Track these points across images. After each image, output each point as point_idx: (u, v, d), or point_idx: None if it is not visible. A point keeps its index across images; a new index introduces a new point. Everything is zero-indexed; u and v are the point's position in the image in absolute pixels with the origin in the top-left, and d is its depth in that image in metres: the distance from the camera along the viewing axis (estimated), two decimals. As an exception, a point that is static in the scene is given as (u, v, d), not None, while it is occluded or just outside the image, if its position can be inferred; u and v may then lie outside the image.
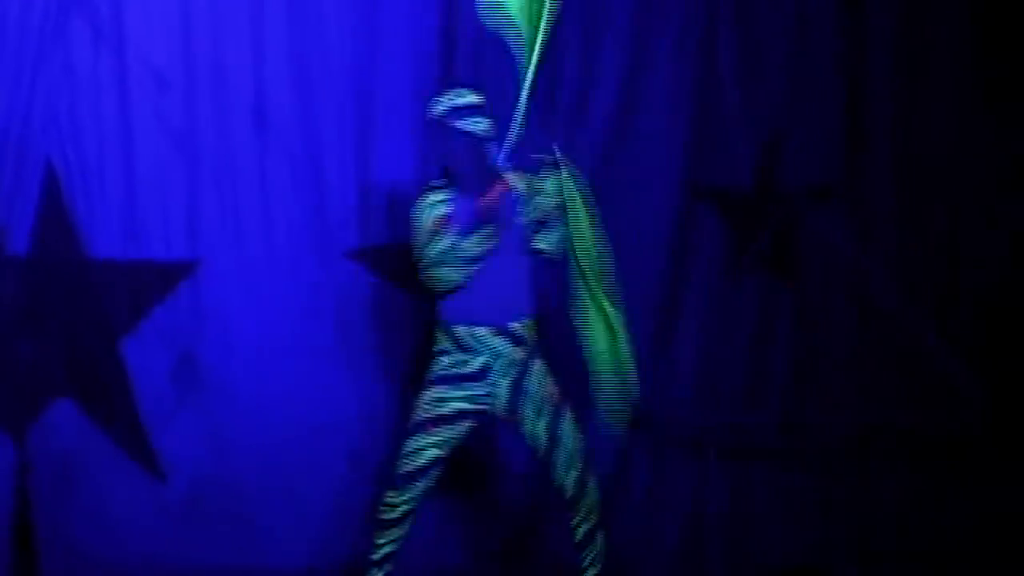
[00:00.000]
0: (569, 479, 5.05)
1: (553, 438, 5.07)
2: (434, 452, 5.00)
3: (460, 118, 4.94)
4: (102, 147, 5.70)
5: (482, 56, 5.81)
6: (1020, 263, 5.92)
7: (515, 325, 5.00)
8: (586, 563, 5.14)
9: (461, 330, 4.98)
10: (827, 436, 5.80)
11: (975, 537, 5.68)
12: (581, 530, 5.11)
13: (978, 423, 5.79)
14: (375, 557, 5.04)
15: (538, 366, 5.09)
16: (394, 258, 5.84)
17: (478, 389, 5.00)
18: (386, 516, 5.01)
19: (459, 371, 5.01)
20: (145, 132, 5.72)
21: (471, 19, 5.61)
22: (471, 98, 5.00)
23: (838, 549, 5.71)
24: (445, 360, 5.00)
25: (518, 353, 5.01)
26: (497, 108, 5.21)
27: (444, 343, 5.01)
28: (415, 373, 5.70)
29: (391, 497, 4.98)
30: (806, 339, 5.99)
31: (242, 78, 5.81)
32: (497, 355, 4.99)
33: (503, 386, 5.03)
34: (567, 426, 5.08)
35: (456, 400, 5.01)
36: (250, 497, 5.80)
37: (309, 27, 5.83)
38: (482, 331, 4.96)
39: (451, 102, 4.97)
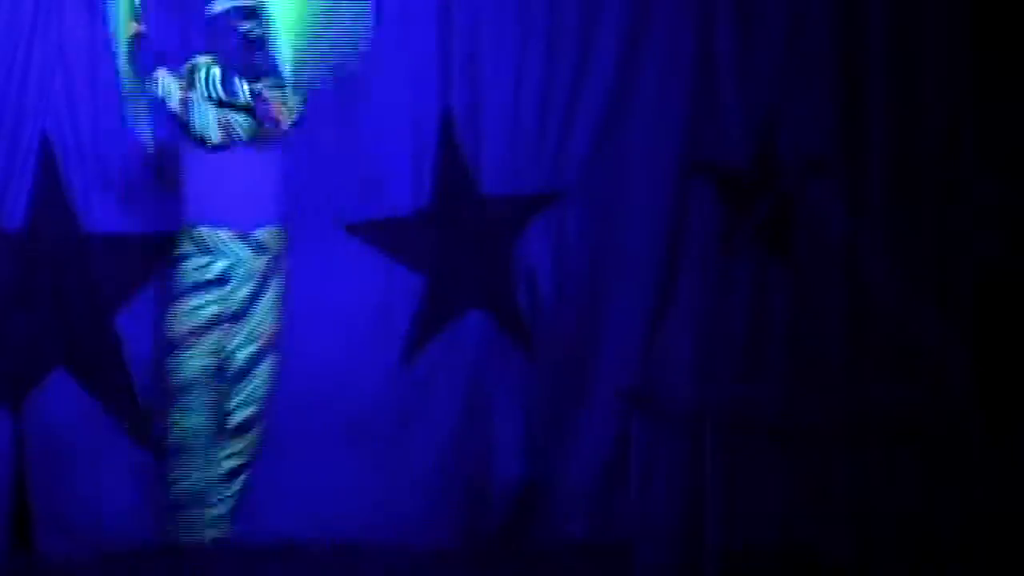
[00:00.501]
0: (241, 414, 5.14)
1: (249, 369, 5.13)
2: (200, 362, 5.06)
3: (236, 18, 5.15)
4: (97, 121, 5.69)
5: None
6: (1012, 244, 5.96)
7: (258, 232, 5.08)
8: (221, 498, 5.19)
9: (204, 231, 5.05)
10: (824, 412, 5.74)
11: (969, 517, 5.66)
12: (227, 464, 5.17)
13: (969, 403, 5.80)
14: (177, 492, 5.15)
15: (275, 287, 5.14)
16: (400, 231, 5.92)
17: (224, 291, 5.08)
18: (173, 439, 5.10)
19: (203, 277, 5.08)
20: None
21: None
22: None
23: (834, 526, 5.71)
24: (188, 266, 5.08)
25: (259, 262, 5.08)
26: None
27: (186, 246, 5.09)
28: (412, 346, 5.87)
29: (170, 417, 5.10)
30: (802, 315, 6.02)
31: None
32: (238, 260, 5.06)
33: (240, 293, 5.10)
34: (267, 366, 5.15)
35: (208, 305, 5.07)
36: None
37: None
38: (224, 234, 5.05)
39: (229, 2, 5.12)
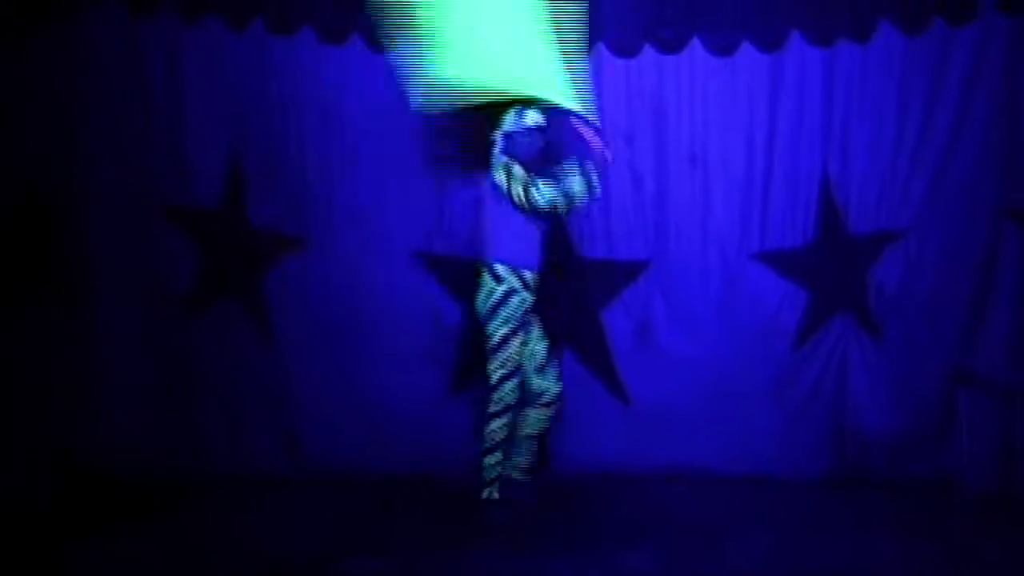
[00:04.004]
0: (556, 387, 6.18)
1: (548, 357, 6.19)
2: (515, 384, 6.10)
3: (528, 134, 6.05)
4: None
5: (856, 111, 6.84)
6: None
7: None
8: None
9: (528, 275, 6.06)
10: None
11: None
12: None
13: None
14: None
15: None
16: (791, 259, 6.94)
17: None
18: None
19: (524, 308, 6.02)
20: (619, 175, 6.97)
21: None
22: (537, 119, 6.08)
23: None
24: (514, 300, 5.99)
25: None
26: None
27: (513, 283, 6.00)
28: (799, 338, 6.92)
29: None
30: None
31: (680, 132, 7.03)
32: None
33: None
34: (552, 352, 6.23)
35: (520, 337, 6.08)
36: (685, 415, 6.97)
37: (724, 99, 7.04)
38: (532, 273, 6.08)
39: (523, 123, 6.05)
